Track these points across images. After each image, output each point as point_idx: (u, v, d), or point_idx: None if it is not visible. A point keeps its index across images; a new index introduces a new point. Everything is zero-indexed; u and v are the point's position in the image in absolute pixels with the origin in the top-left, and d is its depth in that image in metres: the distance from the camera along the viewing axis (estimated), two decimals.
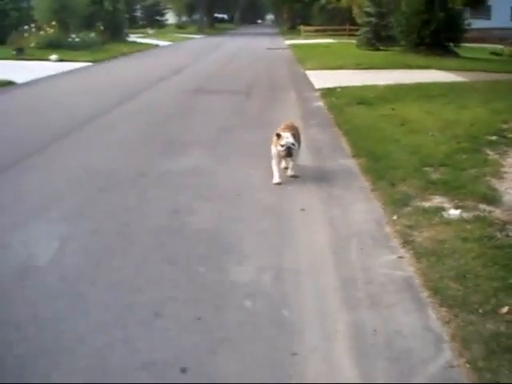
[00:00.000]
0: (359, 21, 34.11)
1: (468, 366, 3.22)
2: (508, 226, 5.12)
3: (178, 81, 17.57)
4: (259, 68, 21.63)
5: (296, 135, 6.87)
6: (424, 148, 7.89)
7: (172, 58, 27.52)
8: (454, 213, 5.47)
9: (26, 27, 26.17)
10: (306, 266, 4.60)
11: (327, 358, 3.36)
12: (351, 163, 7.62)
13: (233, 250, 4.88)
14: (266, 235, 5.24)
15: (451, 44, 25.21)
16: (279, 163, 6.83)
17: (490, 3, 44.69)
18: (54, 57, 21.60)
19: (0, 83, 14.92)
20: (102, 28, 30.32)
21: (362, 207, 5.96)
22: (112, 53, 26.15)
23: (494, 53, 27.02)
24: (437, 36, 24.25)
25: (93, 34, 28.37)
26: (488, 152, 7.71)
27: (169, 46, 38.13)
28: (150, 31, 53.47)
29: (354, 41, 33.69)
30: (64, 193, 6.37)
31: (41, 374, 3.21)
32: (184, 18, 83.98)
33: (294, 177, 6.89)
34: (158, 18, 68.49)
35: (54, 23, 26.40)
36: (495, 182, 6.43)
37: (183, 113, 11.71)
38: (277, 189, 6.55)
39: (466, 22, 26.18)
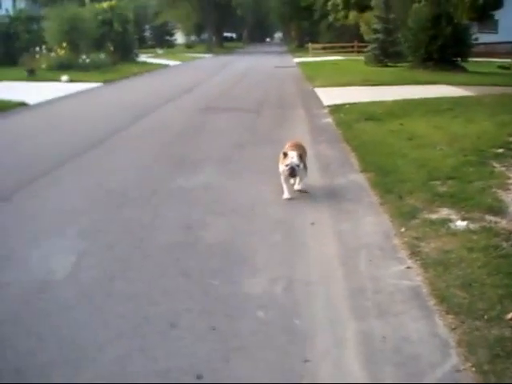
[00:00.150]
0: (367, 37, 34.39)
1: (474, 369, 3.34)
2: None
3: (188, 100, 17.81)
4: (268, 86, 21.85)
5: (303, 154, 6.97)
6: (431, 162, 8.02)
7: (182, 78, 27.84)
8: (460, 224, 5.59)
9: (37, 49, 26.64)
10: (316, 276, 4.74)
11: (338, 364, 3.49)
12: (360, 178, 7.75)
13: (245, 263, 5.02)
14: (277, 248, 5.38)
15: (459, 59, 25.38)
16: (287, 180, 6.96)
17: (497, 17, 44.90)
18: (64, 78, 21.91)
19: (13, 104, 15.22)
20: (112, 49, 30.68)
21: (371, 220, 6.09)
22: (122, 73, 26.47)
23: (501, 66, 27.15)
24: (444, 51, 24.43)
25: (103, 55, 28.73)
26: (494, 164, 7.83)
27: (178, 65, 38.45)
28: (160, 51, 53.97)
29: (362, 57, 33.91)
30: (79, 210, 6.53)
31: (63, 381, 3.35)
32: (193, 38, 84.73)
33: (302, 191, 7.01)
34: (167, 37, 69.11)
35: (64, 45, 26.76)
36: (501, 194, 6.56)
37: (194, 131, 11.87)
38: (287, 204, 6.69)
39: (474, 36, 26.37)
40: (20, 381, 3.38)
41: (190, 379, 3.35)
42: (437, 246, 5.11)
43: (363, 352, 3.61)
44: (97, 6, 33.80)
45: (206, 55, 54.83)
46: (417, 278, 4.61)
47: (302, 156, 6.83)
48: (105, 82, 22.68)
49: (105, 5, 33.96)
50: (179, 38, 76.81)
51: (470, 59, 25.91)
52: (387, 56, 30.13)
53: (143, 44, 54.86)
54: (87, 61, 26.61)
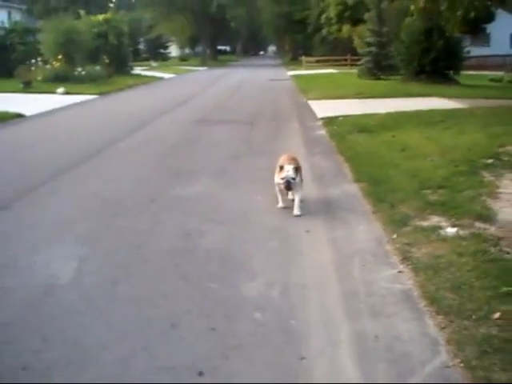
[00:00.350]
0: (360, 51, 34.70)
1: (462, 365, 3.51)
2: (501, 242, 5.41)
3: (183, 112, 17.99)
4: (262, 99, 22.08)
5: (298, 168, 6.84)
6: (423, 172, 8.20)
7: (176, 90, 28.04)
8: (450, 231, 5.77)
9: (32, 61, 26.82)
10: (311, 281, 4.90)
11: (333, 361, 3.66)
12: (353, 188, 7.93)
13: (243, 268, 5.18)
14: (273, 254, 5.54)
15: (451, 72, 25.67)
16: (282, 191, 6.94)
17: (488, 31, 45.41)
18: (60, 90, 22.12)
19: (10, 116, 15.39)
20: (107, 61, 30.88)
21: (364, 228, 6.26)
22: (117, 85, 26.68)
23: (493, 79, 27.51)
24: (436, 64, 24.72)
25: (98, 67, 28.93)
26: (484, 174, 8.01)
27: (173, 78, 38.70)
28: (154, 64, 54.22)
29: (355, 70, 34.20)
30: (78, 219, 6.68)
31: (69, 380, 3.50)
32: (187, 51, 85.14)
33: (297, 216, 6.73)
34: (161, 50, 69.45)
35: (60, 57, 27.05)
36: (490, 202, 6.73)
37: (189, 143, 12.01)
38: (282, 212, 6.85)
39: (466, 49, 26.68)
40: (27, 378, 3.52)
41: (192, 375, 3.51)
42: (427, 252, 5.29)
43: (357, 350, 3.77)
44: (92, 18, 34.05)
45: (200, 68, 55.12)
46: (408, 281, 4.78)
47: (297, 169, 6.77)
48: (100, 94, 22.87)
49: (100, 17, 34.28)
50: (173, 50, 77.27)
51: (462, 72, 26.23)
52: (380, 69, 30.40)
53: (137, 57, 55.17)
54: (83, 73, 26.80)
